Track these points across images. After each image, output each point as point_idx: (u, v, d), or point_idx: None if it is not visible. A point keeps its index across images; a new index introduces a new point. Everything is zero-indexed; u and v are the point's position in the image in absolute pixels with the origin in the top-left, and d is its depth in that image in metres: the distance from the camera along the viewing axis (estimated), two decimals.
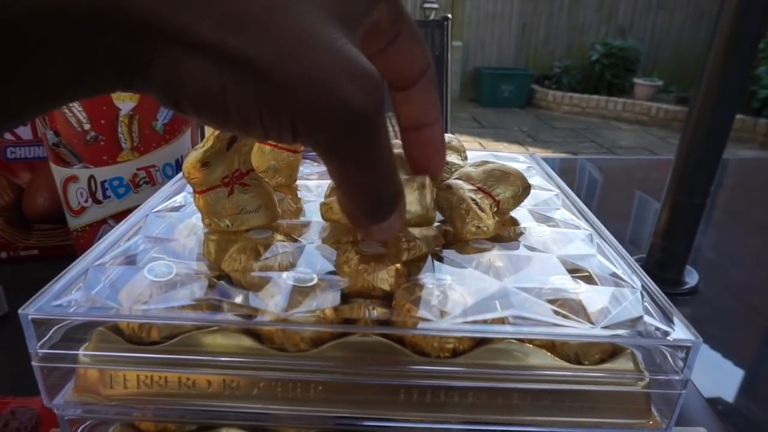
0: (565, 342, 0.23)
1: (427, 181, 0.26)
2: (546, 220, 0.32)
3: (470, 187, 0.29)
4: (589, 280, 0.26)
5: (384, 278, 0.24)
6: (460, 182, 0.29)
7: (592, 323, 0.23)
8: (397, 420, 0.23)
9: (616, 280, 0.26)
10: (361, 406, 0.23)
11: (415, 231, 0.28)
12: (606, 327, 0.22)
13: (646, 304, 0.24)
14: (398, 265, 0.25)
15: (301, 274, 0.24)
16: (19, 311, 0.22)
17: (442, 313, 0.22)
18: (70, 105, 0.42)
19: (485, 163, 0.31)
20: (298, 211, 0.32)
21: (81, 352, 0.23)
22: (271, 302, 0.23)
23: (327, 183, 0.32)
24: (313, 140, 0.18)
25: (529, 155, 0.45)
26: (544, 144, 3.63)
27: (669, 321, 0.23)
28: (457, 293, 0.24)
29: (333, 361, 0.23)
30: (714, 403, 0.37)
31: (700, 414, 0.36)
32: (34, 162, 0.49)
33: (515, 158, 0.44)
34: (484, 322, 0.22)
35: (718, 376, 0.41)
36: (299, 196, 0.34)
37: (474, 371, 0.23)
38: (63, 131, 0.43)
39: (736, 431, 0.35)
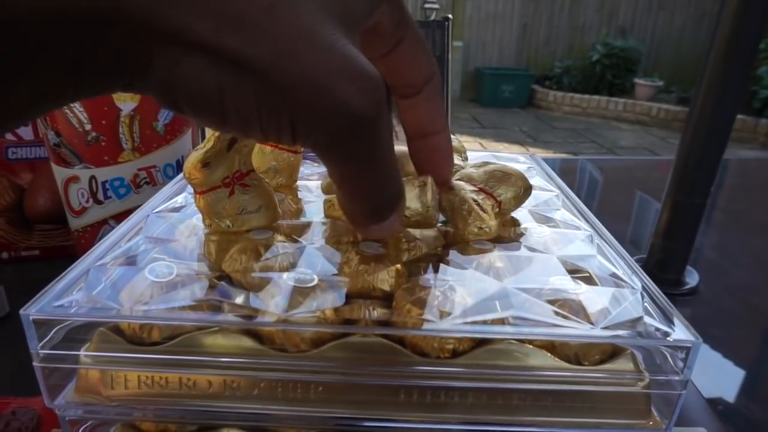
0: (565, 342, 0.23)
1: (429, 180, 0.26)
2: (546, 220, 0.32)
3: (472, 188, 0.29)
4: (589, 280, 0.26)
5: (384, 279, 0.24)
6: (461, 183, 0.29)
7: (592, 324, 0.23)
8: (397, 420, 0.23)
9: (616, 280, 0.26)
10: (361, 406, 0.23)
11: (416, 232, 0.28)
12: (606, 327, 0.23)
13: (646, 304, 0.24)
14: (398, 266, 0.25)
15: (302, 275, 0.24)
16: (21, 311, 0.22)
17: (443, 314, 0.23)
18: (71, 105, 0.42)
19: (486, 164, 0.31)
20: (299, 212, 0.32)
21: (82, 352, 0.23)
22: (272, 303, 0.23)
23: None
24: (312, 141, 0.18)
25: (529, 156, 0.45)
26: (545, 144, 3.63)
27: (669, 321, 0.23)
28: (457, 294, 0.24)
29: (333, 361, 0.23)
30: (714, 404, 0.37)
31: (700, 414, 0.36)
32: (36, 162, 0.49)
33: (515, 159, 0.44)
34: (484, 322, 0.23)
35: (718, 377, 0.41)
36: (300, 196, 0.34)
37: (474, 372, 0.23)
38: (64, 131, 0.43)
39: (736, 431, 0.35)
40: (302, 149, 0.35)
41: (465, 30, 4.79)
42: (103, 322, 0.23)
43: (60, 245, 0.52)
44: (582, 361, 0.23)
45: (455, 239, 0.29)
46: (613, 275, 0.26)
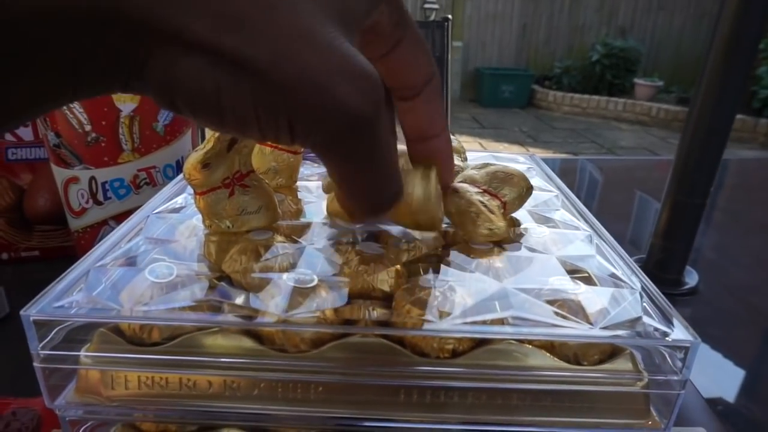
0: (564, 342, 0.23)
1: (433, 172, 0.26)
2: (545, 221, 0.32)
3: (476, 189, 0.29)
4: (588, 280, 0.26)
5: (384, 279, 0.25)
6: (465, 186, 0.29)
7: (591, 324, 0.23)
8: (397, 420, 0.23)
9: (615, 280, 0.26)
10: (361, 406, 0.23)
11: (416, 232, 0.28)
12: (605, 327, 0.23)
13: (644, 304, 0.24)
14: (398, 267, 0.25)
15: (302, 275, 0.24)
16: (21, 312, 0.22)
17: (442, 314, 0.23)
18: (71, 106, 0.42)
19: (487, 165, 0.31)
20: (299, 213, 0.32)
21: (82, 353, 0.23)
22: (272, 303, 0.23)
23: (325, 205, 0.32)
24: (311, 141, 0.18)
25: (528, 156, 0.45)
26: (545, 144, 3.63)
27: (668, 321, 0.23)
28: (456, 294, 0.24)
29: (333, 361, 0.23)
30: (714, 404, 0.37)
31: (699, 414, 0.36)
32: (35, 163, 0.49)
33: (515, 159, 0.44)
34: (484, 322, 0.23)
35: (717, 377, 0.41)
36: (299, 197, 0.34)
37: (473, 372, 0.23)
38: (64, 132, 0.43)
39: (736, 431, 0.35)
40: (302, 150, 0.35)
41: (465, 30, 4.79)
42: (103, 322, 0.24)
43: (60, 246, 0.52)
44: (581, 361, 0.23)
45: (455, 239, 0.29)
46: (612, 275, 0.26)
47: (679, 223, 0.50)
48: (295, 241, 0.28)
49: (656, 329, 0.23)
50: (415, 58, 0.23)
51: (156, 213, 0.31)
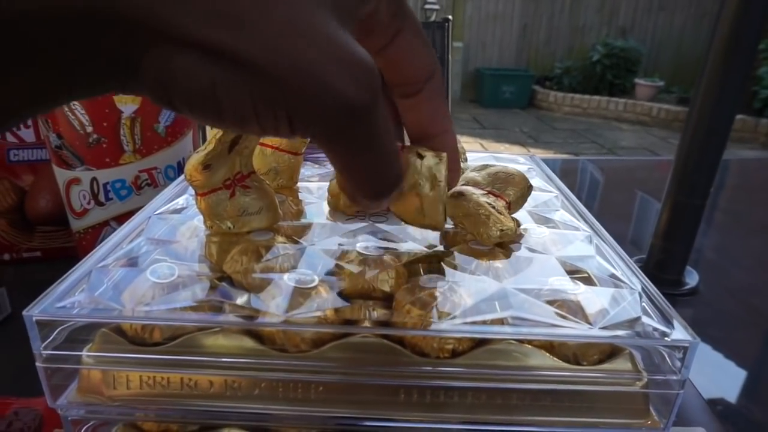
0: (563, 342, 0.23)
1: (443, 168, 0.25)
2: (545, 221, 0.32)
3: (481, 191, 0.29)
4: (587, 281, 0.26)
5: (384, 279, 0.25)
6: (470, 188, 0.29)
7: (590, 324, 0.23)
8: (397, 420, 0.23)
9: (614, 281, 0.26)
10: (361, 406, 0.23)
11: (416, 233, 0.28)
12: (604, 328, 0.23)
13: (644, 304, 0.24)
14: (398, 267, 0.25)
15: (302, 276, 0.24)
16: (24, 313, 0.22)
17: (442, 314, 0.23)
18: (73, 108, 0.42)
19: (486, 166, 0.31)
20: (299, 213, 0.32)
21: (84, 353, 0.24)
22: (273, 303, 0.23)
23: (327, 185, 0.33)
24: (311, 132, 0.18)
25: (528, 156, 0.45)
26: (546, 145, 3.62)
27: (667, 321, 0.23)
28: (456, 294, 0.24)
29: (333, 361, 0.23)
30: (714, 404, 0.37)
31: (699, 414, 0.36)
32: (37, 164, 0.49)
33: (515, 160, 0.44)
34: (484, 322, 0.23)
35: (718, 377, 0.41)
36: (300, 198, 0.34)
37: (473, 372, 0.23)
38: (66, 134, 0.43)
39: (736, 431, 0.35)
40: (303, 151, 0.35)
41: (465, 31, 4.79)
42: (105, 322, 0.24)
43: (61, 247, 0.52)
44: (581, 361, 0.23)
45: (455, 240, 0.29)
46: (612, 276, 0.27)
47: (678, 224, 0.50)
48: (296, 242, 0.28)
49: (655, 329, 0.23)
50: (416, 50, 0.22)
51: (157, 214, 0.31)
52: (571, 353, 0.23)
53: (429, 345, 0.23)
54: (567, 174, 0.88)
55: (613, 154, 3.50)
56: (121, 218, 0.46)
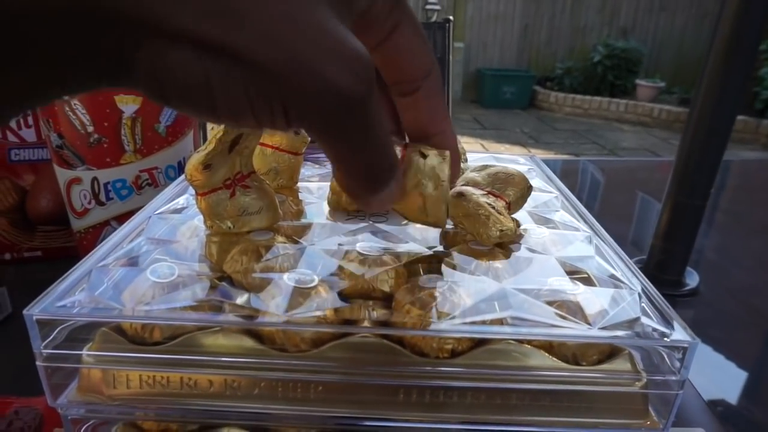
0: (563, 343, 0.23)
1: (446, 166, 0.25)
2: (545, 221, 0.32)
3: (481, 192, 0.29)
4: (587, 281, 0.26)
5: (384, 279, 0.25)
6: (470, 188, 0.29)
7: (589, 324, 0.23)
8: (397, 420, 0.23)
9: (614, 281, 0.26)
10: (360, 406, 0.23)
11: (415, 233, 0.28)
12: (604, 328, 0.23)
13: (643, 305, 0.24)
14: (398, 267, 0.26)
15: (302, 276, 0.24)
16: (24, 312, 0.22)
17: (442, 314, 0.23)
18: (74, 107, 0.42)
19: (486, 167, 0.31)
20: (299, 213, 0.32)
21: (84, 352, 0.24)
22: (272, 303, 0.23)
23: (328, 186, 0.33)
24: (306, 124, 0.18)
25: (529, 157, 0.45)
26: (546, 145, 3.62)
27: (666, 322, 0.23)
28: (456, 294, 0.24)
29: (333, 361, 0.23)
30: (714, 405, 0.37)
31: (699, 415, 0.36)
32: (38, 164, 0.49)
33: (515, 160, 0.44)
34: (483, 323, 0.23)
35: (718, 378, 0.41)
36: (300, 198, 0.34)
37: (473, 372, 0.23)
38: (66, 133, 0.43)
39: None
40: (303, 151, 0.35)
41: (466, 31, 4.79)
42: (105, 322, 0.24)
43: (62, 246, 0.52)
44: (580, 361, 0.23)
45: (455, 240, 0.29)
46: (612, 276, 0.27)
47: (679, 225, 0.50)
48: (296, 242, 0.28)
49: (655, 329, 0.23)
50: (413, 47, 0.22)
51: (158, 214, 0.31)
52: (571, 353, 0.23)
53: (428, 345, 0.23)
54: (568, 174, 0.88)
55: (614, 155, 3.50)
56: (122, 218, 0.46)
